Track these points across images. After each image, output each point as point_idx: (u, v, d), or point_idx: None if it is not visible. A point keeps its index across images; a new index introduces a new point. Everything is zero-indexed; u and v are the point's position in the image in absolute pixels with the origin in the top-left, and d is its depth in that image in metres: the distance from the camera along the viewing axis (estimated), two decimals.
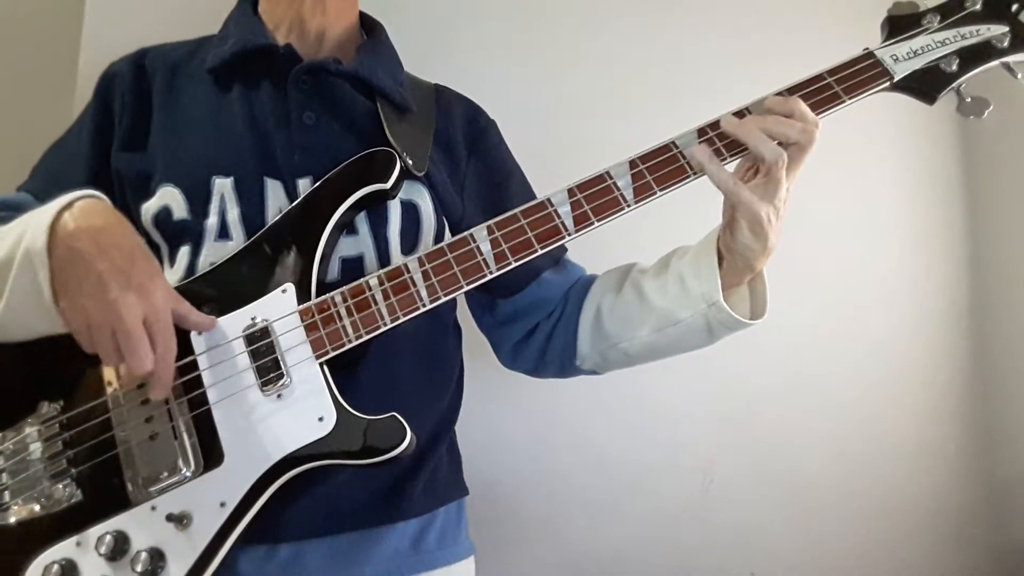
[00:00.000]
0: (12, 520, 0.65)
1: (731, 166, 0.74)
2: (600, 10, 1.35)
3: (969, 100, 0.77)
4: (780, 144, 0.70)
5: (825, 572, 1.35)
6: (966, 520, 1.46)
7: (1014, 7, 0.77)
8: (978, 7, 0.78)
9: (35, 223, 0.65)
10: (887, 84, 0.76)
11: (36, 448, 0.67)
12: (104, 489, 0.66)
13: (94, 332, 0.62)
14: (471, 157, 0.90)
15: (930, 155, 1.51)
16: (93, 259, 0.62)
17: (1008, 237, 1.48)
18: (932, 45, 0.77)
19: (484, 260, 0.72)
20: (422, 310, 0.71)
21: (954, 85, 0.76)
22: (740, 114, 0.74)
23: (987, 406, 1.49)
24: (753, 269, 0.76)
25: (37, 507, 0.66)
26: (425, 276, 0.72)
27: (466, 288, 0.72)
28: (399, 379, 0.77)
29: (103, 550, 0.63)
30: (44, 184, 0.80)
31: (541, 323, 0.90)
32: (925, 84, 0.76)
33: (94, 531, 0.64)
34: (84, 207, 0.67)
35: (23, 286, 0.64)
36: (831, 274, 1.41)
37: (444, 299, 0.71)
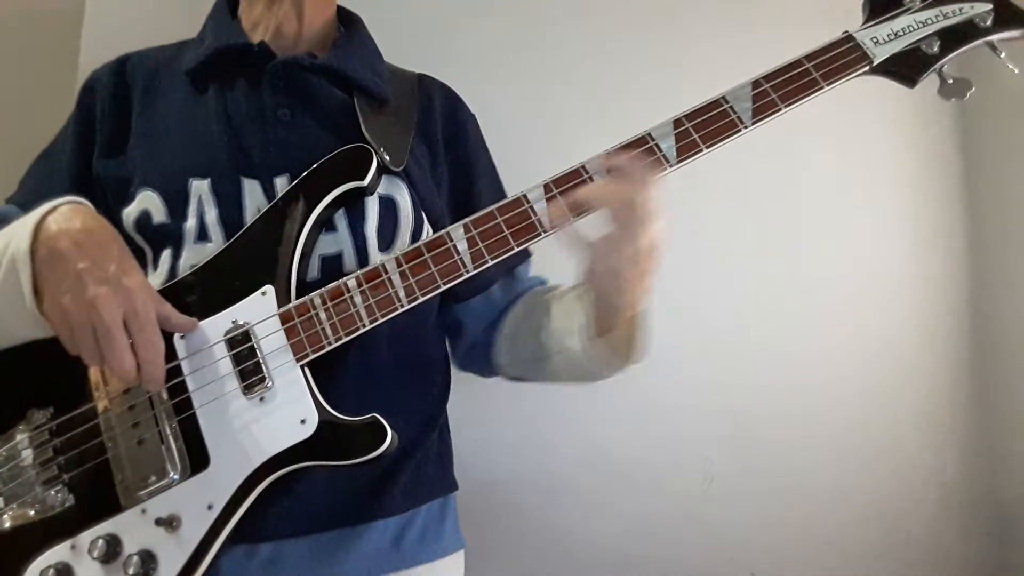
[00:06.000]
0: (7, 526, 0.67)
1: None
2: (588, 7, 1.33)
3: (951, 82, 0.76)
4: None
5: (825, 572, 1.37)
6: (966, 518, 1.47)
7: None
8: None
9: (20, 230, 0.66)
10: (866, 68, 0.74)
11: (28, 455, 0.69)
12: (95, 494, 0.68)
13: (75, 331, 0.63)
14: (448, 152, 0.90)
15: (930, 156, 1.49)
16: (73, 259, 0.63)
17: (1009, 238, 1.47)
18: (914, 26, 0.75)
19: (461, 259, 0.72)
20: (400, 310, 0.71)
21: (935, 67, 0.75)
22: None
23: (988, 406, 1.49)
24: (610, 322, 0.76)
25: (31, 512, 0.68)
26: (403, 276, 0.72)
27: (443, 288, 0.72)
28: (381, 379, 0.78)
29: (96, 554, 0.64)
30: (30, 195, 0.81)
31: (479, 336, 0.93)
32: (905, 67, 0.75)
33: (87, 535, 0.66)
34: (67, 211, 0.68)
35: (8, 291, 0.65)
36: (830, 275, 1.40)
37: (422, 299, 0.72)
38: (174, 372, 0.70)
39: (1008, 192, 1.46)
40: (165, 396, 0.69)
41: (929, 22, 0.75)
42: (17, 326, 0.67)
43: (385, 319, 0.71)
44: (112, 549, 0.65)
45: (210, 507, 0.66)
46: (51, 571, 0.64)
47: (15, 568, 0.65)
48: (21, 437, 0.70)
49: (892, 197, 1.46)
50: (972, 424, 1.48)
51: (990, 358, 1.50)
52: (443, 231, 0.73)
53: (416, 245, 0.73)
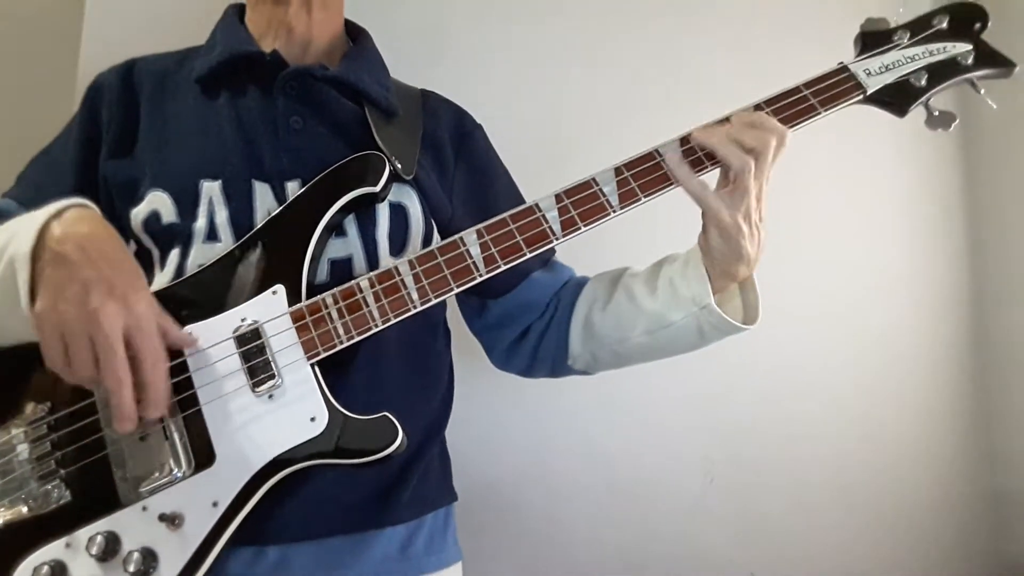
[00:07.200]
0: (0, 522, 0.65)
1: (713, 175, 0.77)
2: (595, 15, 1.36)
3: (936, 114, 0.81)
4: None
5: (825, 572, 1.37)
6: (966, 517, 1.48)
7: (976, 26, 0.81)
8: (944, 25, 0.81)
9: (24, 229, 0.65)
10: (860, 97, 0.79)
11: (23, 449, 0.67)
12: (94, 490, 0.66)
13: (69, 340, 0.61)
14: (459, 161, 0.91)
15: (930, 152, 1.53)
16: (79, 266, 0.62)
17: (1008, 234, 1.50)
18: (903, 60, 0.81)
19: (474, 263, 0.74)
20: (413, 312, 0.72)
21: (923, 99, 0.80)
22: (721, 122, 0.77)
23: (987, 403, 1.51)
24: (732, 276, 0.78)
25: (25, 509, 0.66)
26: (416, 279, 0.73)
27: (456, 290, 0.73)
28: (388, 380, 0.78)
29: (94, 551, 0.62)
30: (29, 192, 0.80)
31: (533, 324, 0.91)
32: (896, 97, 0.80)
33: (84, 532, 0.64)
34: (73, 215, 0.67)
35: (4, 289, 0.63)
36: (831, 272, 1.42)
37: (435, 301, 0.72)
38: (180, 368, 0.69)
39: (1008, 193, 1.50)
40: (171, 392, 0.68)
41: (917, 58, 0.80)
42: (9, 325, 0.65)
43: (397, 320, 0.72)
44: (111, 546, 0.63)
45: (215, 504, 0.65)
46: (45, 568, 0.62)
47: (6, 566, 0.63)
48: (17, 431, 0.68)
49: (892, 198, 1.49)
50: (972, 423, 1.50)
51: (989, 359, 1.52)
52: (456, 236, 0.75)
53: (429, 249, 0.74)
